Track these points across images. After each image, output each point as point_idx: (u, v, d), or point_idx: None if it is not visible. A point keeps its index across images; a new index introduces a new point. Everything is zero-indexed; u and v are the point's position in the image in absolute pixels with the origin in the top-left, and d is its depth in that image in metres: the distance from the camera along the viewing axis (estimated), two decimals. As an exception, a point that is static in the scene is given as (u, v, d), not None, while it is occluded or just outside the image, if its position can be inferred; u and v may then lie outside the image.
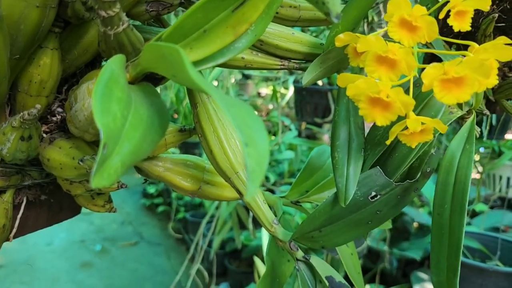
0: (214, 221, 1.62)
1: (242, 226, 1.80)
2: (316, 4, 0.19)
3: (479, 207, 1.79)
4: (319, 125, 1.78)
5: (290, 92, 1.97)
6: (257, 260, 1.68)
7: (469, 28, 0.30)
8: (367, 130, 0.35)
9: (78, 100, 0.27)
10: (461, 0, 0.29)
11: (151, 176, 0.42)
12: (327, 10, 0.18)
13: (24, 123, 0.26)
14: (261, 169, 0.17)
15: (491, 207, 1.86)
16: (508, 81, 0.45)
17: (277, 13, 0.37)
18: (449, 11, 0.30)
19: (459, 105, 0.34)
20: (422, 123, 0.28)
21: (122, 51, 0.24)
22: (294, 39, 0.37)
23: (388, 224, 0.45)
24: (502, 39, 0.29)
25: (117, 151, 0.19)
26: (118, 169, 0.19)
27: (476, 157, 2.00)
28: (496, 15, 0.41)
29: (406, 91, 0.28)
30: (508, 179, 1.74)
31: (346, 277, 0.41)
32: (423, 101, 0.32)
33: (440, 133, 0.30)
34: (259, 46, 0.37)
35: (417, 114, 0.30)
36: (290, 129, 2.01)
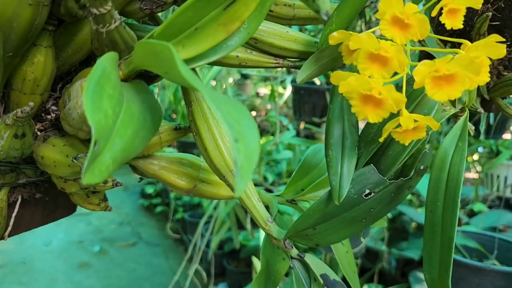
0: (212, 221, 1.62)
1: (240, 226, 1.80)
2: (307, 2, 0.19)
3: (477, 206, 1.79)
4: (318, 125, 1.79)
5: (288, 91, 1.97)
6: (255, 260, 1.68)
7: (461, 26, 0.30)
8: (361, 128, 0.35)
9: (72, 98, 0.27)
10: (453, -2, 0.29)
11: (146, 175, 0.42)
12: (317, 8, 0.18)
13: (18, 120, 0.26)
14: (250, 165, 0.17)
15: (489, 207, 1.86)
16: (502, 80, 0.45)
17: (271, 11, 0.37)
18: (441, 9, 0.30)
19: (452, 103, 0.34)
20: (415, 121, 0.28)
21: (115, 49, 0.24)
22: (288, 37, 0.37)
23: (383, 222, 0.46)
24: (494, 37, 0.29)
25: (108, 148, 0.19)
26: (110, 166, 0.19)
27: (475, 157, 2.00)
28: (490, 13, 0.41)
29: (400, 89, 0.28)
30: (506, 178, 1.74)
31: (344, 279, 0.41)
32: (416, 99, 0.32)
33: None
34: (254, 44, 0.37)
35: (411, 112, 0.30)
36: (288, 129, 2.01)
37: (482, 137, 1.16)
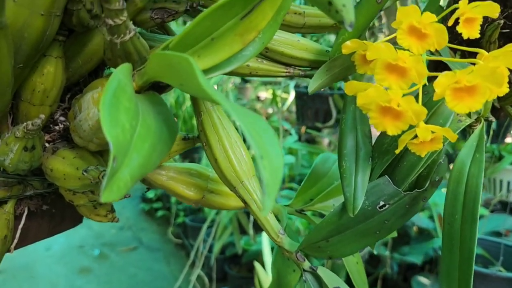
0: (215, 226, 1.61)
1: (242, 231, 1.79)
2: (329, 12, 0.19)
3: (480, 211, 1.78)
4: (319, 129, 1.78)
5: (291, 97, 1.97)
6: (257, 265, 1.68)
7: (478, 35, 0.29)
8: (374, 138, 0.35)
9: (83, 110, 0.26)
10: (470, 7, 0.29)
11: (154, 185, 0.41)
12: (340, 19, 0.18)
13: (28, 133, 0.25)
14: (276, 182, 0.16)
15: (492, 211, 1.85)
16: (513, 88, 0.44)
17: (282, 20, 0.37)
18: (457, 18, 0.29)
19: (468, 113, 0.33)
20: (432, 132, 0.27)
21: (128, 59, 0.24)
22: (299, 46, 0.37)
23: (394, 233, 0.45)
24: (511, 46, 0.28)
25: (126, 164, 0.18)
26: (128, 182, 0.18)
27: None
28: (502, 21, 0.41)
29: (415, 98, 0.27)
30: (509, 183, 1.74)
31: (350, 284, 0.40)
32: (431, 109, 0.32)
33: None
34: (264, 53, 0.36)
35: (426, 122, 0.30)
36: (290, 134, 2.00)
37: (488, 143, 1.15)
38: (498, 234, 1.60)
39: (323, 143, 2.45)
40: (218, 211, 1.64)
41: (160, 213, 3.10)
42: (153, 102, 0.24)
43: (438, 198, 1.56)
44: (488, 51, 0.42)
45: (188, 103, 1.86)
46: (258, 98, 3.42)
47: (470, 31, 0.29)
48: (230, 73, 0.36)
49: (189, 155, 2.47)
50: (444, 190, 0.34)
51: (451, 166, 0.35)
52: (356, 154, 0.33)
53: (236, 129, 0.37)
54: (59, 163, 0.29)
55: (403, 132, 0.27)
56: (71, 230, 0.43)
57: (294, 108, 2.21)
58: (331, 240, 0.34)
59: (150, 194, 3.23)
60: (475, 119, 0.34)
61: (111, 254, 2.72)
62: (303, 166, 1.97)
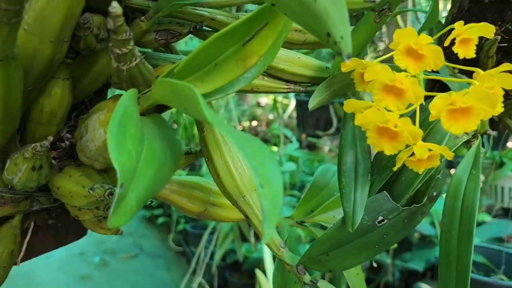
0: (216, 233, 1.61)
1: (244, 238, 1.79)
2: (327, 42, 0.19)
3: (481, 216, 1.78)
4: (319, 137, 1.79)
5: (292, 105, 1.98)
6: (258, 272, 1.67)
7: (473, 55, 0.30)
8: (373, 154, 0.35)
9: (89, 131, 0.27)
10: (465, 28, 0.30)
11: (157, 198, 0.42)
12: (338, 50, 0.19)
13: (36, 154, 0.26)
14: (276, 209, 0.17)
15: (494, 217, 1.85)
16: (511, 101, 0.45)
17: (282, 37, 0.38)
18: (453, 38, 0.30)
19: (464, 129, 0.34)
20: (429, 150, 0.28)
21: (133, 83, 0.25)
22: (300, 63, 0.37)
23: (394, 244, 0.45)
24: (507, 66, 0.29)
25: (133, 189, 0.19)
26: (134, 207, 0.19)
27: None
28: (499, 36, 0.42)
29: (412, 116, 0.28)
30: (510, 189, 1.74)
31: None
32: (428, 126, 0.32)
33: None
34: (266, 71, 0.37)
35: (423, 140, 0.30)
36: (291, 141, 2.01)
37: (488, 153, 1.16)
38: (500, 240, 1.60)
39: (324, 149, 2.46)
40: (219, 219, 1.64)
41: (160, 220, 3.10)
42: (157, 124, 0.24)
43: (439, 206, 1.56)
44: (486, 65, 0.43)
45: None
46: (258, 104, 3.43)
47: (466, 51, 0.30)
48: (232, 91, 0.37)
49: (190, 162, 2.46)
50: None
51: (452, 171, 0.35)
52: (355, 170, 0.34)
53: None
54: (66, 181, 0.30)
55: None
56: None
57: (294, 114, 2.22)
58: (331, 254, 0.35)
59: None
60: (472, 135, 0.35)
61: (112, 261, 2.72)
62: (304, 173, 1.98)
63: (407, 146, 0.27)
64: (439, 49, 0.28)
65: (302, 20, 0.21)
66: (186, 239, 2.74)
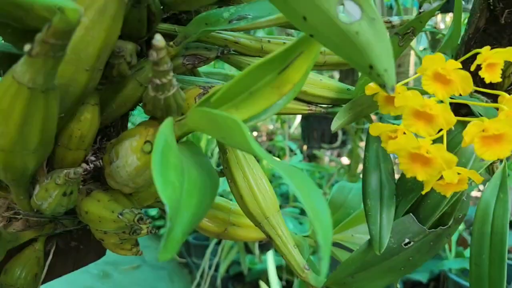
0: (221, 245, 1.60)
1: (248, 251, 1.78)
2: (370, 75, 0.19)
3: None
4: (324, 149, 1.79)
5: (298, 118, 1.98)
6: (262, 284, 1.66)
7: (499, 80, 0.30)
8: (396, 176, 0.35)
9: (120, 157, 0.27)
10: (492, 53, 0.30)
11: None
12: (382, 82, 0.19)
13: (69, 181, 0.26)
14: (329, 244, 0.17)
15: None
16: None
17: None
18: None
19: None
20: (458, 173, 0.28)
21: (167, 111, 0.25)
22: (321, 85, 0.38)
23: (419, 267, 0.45)
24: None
25: (179, 222, 0.19)
26: (180, 240, 0.19)
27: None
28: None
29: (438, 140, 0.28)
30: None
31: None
32: (454, 148, 0.32)
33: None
34: (288, 92, 0.37)
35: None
36: (295, 154, 2.01)
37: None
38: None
39: (325, 159, 2.45)
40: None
41: (163, 231, 3.08)
42: (193, 153, 0.24)
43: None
44: (503, 85, 0.43)
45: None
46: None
47: (492, 76, 0.30)
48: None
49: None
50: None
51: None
52: (380, 192, 0.34)
53: (261, 165, 0.37)
54: (94, 206, 0.30)
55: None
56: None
57: (296, 123, 2.22)
58: (356, 277, 0.34)
59: (153, 212, 3.21)
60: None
61: (114, 273, 2.70)
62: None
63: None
64: (468, 74, 0.28)
65: (342, 52, 0.21)
66: (188, 250, 2.72)
